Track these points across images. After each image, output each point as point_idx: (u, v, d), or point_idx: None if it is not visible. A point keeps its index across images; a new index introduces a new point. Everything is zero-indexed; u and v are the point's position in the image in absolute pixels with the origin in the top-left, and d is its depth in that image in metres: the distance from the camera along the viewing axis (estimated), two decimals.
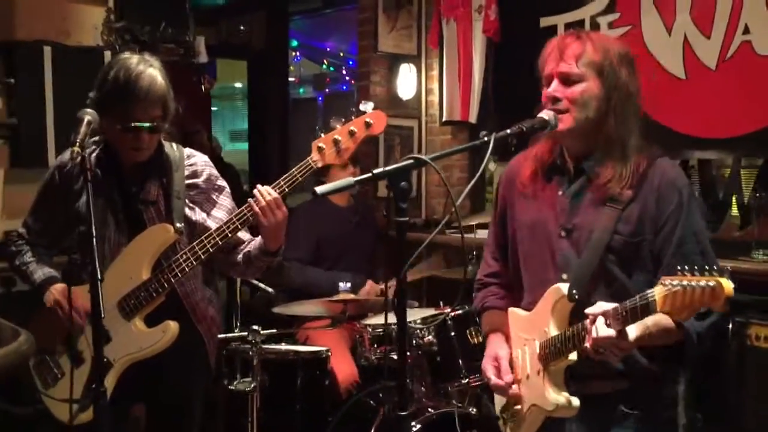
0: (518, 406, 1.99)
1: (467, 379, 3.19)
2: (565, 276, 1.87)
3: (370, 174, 1.54)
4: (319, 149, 2.17)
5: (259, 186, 2.18)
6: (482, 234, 4.32)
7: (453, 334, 3.22)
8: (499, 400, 2.14)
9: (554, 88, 1.88)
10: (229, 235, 2.21)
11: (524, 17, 4.32)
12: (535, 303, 1.94)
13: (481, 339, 3.23)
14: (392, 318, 3.34)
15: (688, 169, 4.37)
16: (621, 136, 1.84)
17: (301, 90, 8.39)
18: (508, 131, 1.78)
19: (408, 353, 3.19)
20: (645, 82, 3.69)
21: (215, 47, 5.72)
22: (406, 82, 4.97)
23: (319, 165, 2.17)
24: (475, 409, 3.21)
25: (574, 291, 1.80)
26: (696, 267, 1.51)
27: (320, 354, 3.25)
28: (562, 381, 1.85)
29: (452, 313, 3.25)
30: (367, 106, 2.19)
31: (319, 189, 1.51)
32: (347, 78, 7.67)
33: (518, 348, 2.00)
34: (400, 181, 1.55)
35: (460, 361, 3.19)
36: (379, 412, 3.08)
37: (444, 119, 4.80)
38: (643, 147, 1.88)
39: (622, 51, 1.90)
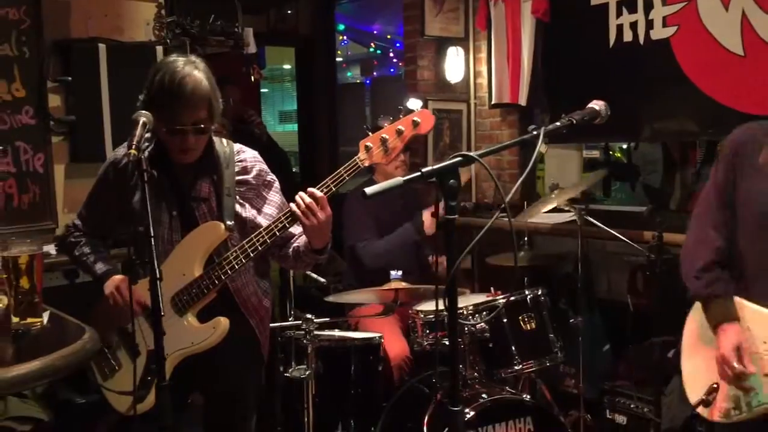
0: (744, 395, 2.00)
1: (521, 366, 3.20)
2: None
3: (419, 173, 1.55)
4: (367, 148, 2.17)
5: (301, 193, 2.19)
6: (536, 218, 4.29)
7: (505, 320, 3.22)
8: (701, 385, 2.13)
9: None
10: (278, 233, 2.23)
11: None
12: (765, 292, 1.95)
13: (533, 325, 3.26)
14: (443, 304, 3.41)
15: None
16: None
17: (349, 74, 8.40)
18: (558, 124, 1.77)
19: (460, 339, 3.24)
20: (702, 59, 3.63)
21: (263, 35, 5.76)
22: (454, 65, 4.93)
23: (366, 164, 2.17)
24: (529, 396, 3.22)
25: None
26: None
27: (373, 340, 3.29)
28: None
29: (504, 300, 3.25)
30: (415, 104, 2.18)
31: (369, 190, 1.53)
32: (395, 60, 7.63)
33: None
34: (448, 179, 1.55)
35: (513, 348, 3.20)
36: (432, 398, 3.10)
37: (493, 102, 4.75)
38: None
39: None
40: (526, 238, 3.94)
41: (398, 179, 1.54)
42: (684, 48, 3.70)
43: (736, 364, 1.98)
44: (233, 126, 4.42)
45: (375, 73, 7.96)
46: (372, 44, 7.79)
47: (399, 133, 2.16)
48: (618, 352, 3.97)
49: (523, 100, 4.50)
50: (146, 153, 2.34)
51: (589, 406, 3.61)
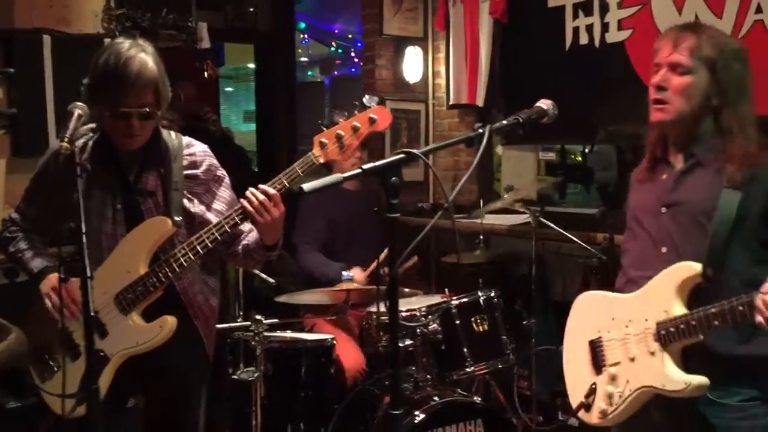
0: (615, 390, 1.95)
1: (473, 368, 3.18)
2: (664, 249, 1.94)
3: (359, 170, 1.50)
4: (322, 144, 2.12)
5: (252, 189, 2.13)
6: (490, 219, 4.29)
7: (458, 322, 3.19)
8: (579, 388, 2.10)
9: (661, 76, 1.92)
10: (228, 230, 2.17)
11: None
12: (633, 281, 1.99)
13: (486, 327, 3.25)
14: (399, 305, 3.38)
15: None
16: (738, 126, 1.87)
17: (310, 72, 8.33)
18: (504, 122, 1.74)
19: (412, 341, 3.22)
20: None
21: (221, 31, 5.67)
22: (413, 65, 4.92)
23: (321, 161, 2.12)
24: (480, 398, 3.19)
25: (708, 269, 1.81)
26: None
27: (325, 342, 3.24)
28: (680, 361, 1.85)
29: (456, 301, 3.22)
30: (371, 101, 2.13)
31: (306, 186, 1.48)
32: (356, 60, 7.59)
33: (611, 330, 1.99)
34: (390, 177, 1.51)
35: (465, 350, 3.17)
36: (384, 401, 3.06)
37: (451, 102, 4.74)
38: (762, 139, 1.90)
39: (737, 47, 1.97)
40: (481, 238, 3.93)
41: (338, 176, 1.49)
42: (638, 51, 3.73)
43: None
44: (187, 123, 4.32)
45: (336, 73, 7.91)
46: (333, 43, 7.74)
47: (355, 129, 2.11)
48: None
49: (480, 101, 4.50)
50: (90, 142, 2.28)
51: (543, 407, 3.61)
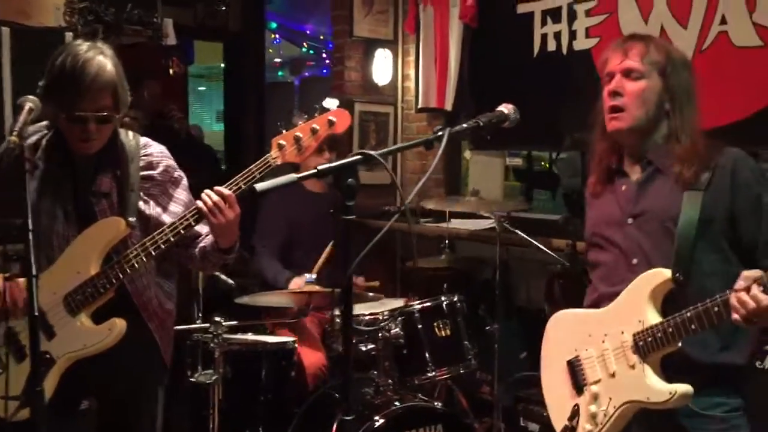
0: (599, 408, 1.88)
1: (434, 373, 3.16)
2: (635, 261, 1.91)
3: (314, 170, 1.48)
4: (280, 146, 2.11)
5: (207, 190, 2.10)
6: (456, 223, 4.29)
7: (420, 327, 3.18)
8: (561, 412, 2.01)
9: (617, 82, 1.94)
10: (182, 231, 2.14)
11: (501, 3, 4.25)
12: (606, 296, 1.94)
13: (448, 332, 3.23)
14: (361, 309, 3.36)
15: None
16: (685, 130, 1.90)
17: (281, 73, 8.28)
18: (465, 125, 1.73)
19: (374, 345, 3.20)
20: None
21: (191, 29, 5.60)
22: (382, 67, 4.90)
23: (279, 162, 2.10)
24: (441, 403, 3.18)
25: (678, 273, 1.79)
26: None
27: (286, 345, 3.21)
28: (660, 372, 1.80)
29: (419, 306, 3.21)
30: (331, 104, 2.13)
31: (259, 186, 1.45)
32: (328, 62, 7.56)
33: (588, 347, 1.95)
34: (346, 178, 1.49)
35: (427, 355, 3.15)
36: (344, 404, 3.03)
37: (419, 106, 4.74)
38: (707, 140, 1.92)
39: (683, 56, 2.02)
40: (446, 242, 3.92)
41: (292, 176, 1.47)
42: None
43: None
44: (151, 121, 4.25)
45: (306, 73, 7.86)
46: (305, 44, 7.70)
47: (314, 131, 2.10)
48: (536, 360, 3.98)
49: (449, 105, 4.49)
50: (43, 141, 2.22)
51: (505, 413, 3.61)
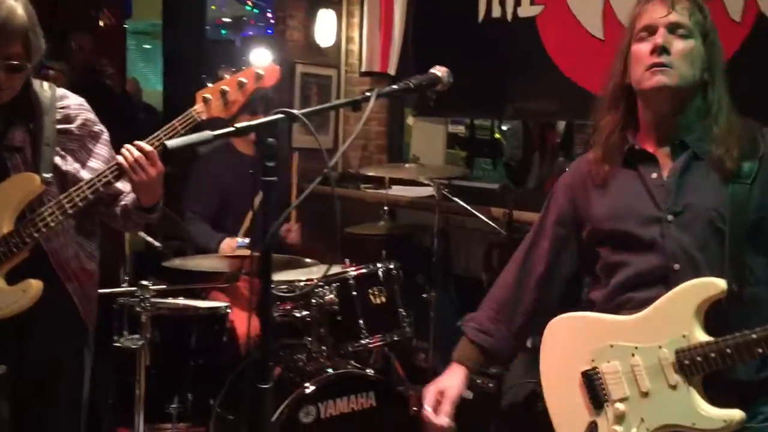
0: (626, 429, 1.66)
1: (368, 340, 3.14)
2: (677, 266, 1.63)
3: (232, 128, 1.40)
4: (205, 100, 2.02)
5: (128, 145, 2.01)
6: (397, 189, 4.25)
7: (355, 293, 3.14)
8: (571, 427, 1.78)
9: (663, 37, 1.63)
10: (101, 189, 2.04)
11: None
12: (634, 303, 1.68)
13: (383, 299, 3.22)
14: (296, 275, 3.30)
15: None
16: (723, 109, 1.67)
17: (224, 32, 8.04)
18: (395, 87, 1.67)
19: (308, 312, 3.15)
20: (565, 41, 3.67)
21: None
22: (326, 28, 4.78)
23: (204, 117, 2.02)
24: (374, 370, 3.16)
25: (733, 284, 1.55)
26: None
27: (219, 310, 3.14)
28: (704, 393, 1.59)
29: (354, 272, 3.17)
30: (261, 57, 2.05)
31: (170, 143, 1.37)
32: (273, 21, 7.36)
33: (611, 360, 1.69)
34: (266, 137, 1.41)
35: (361, 322, 3.13)
36: (276, 372, 2.99)
37: (363, 70, 4.65)
38: (743, 121, 1.69)
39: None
40: (386, 209, 3.88)
41: (207, 133, 1.39)
42: (548, 28, 3.73)
43: (428, 409, 1.95)
44: (81, 76, 4.07)
45: (251, 33, 7.66)
46: (249, 2, 7.49)
47: (241, 85, 2.04)
48: None
49: (392, 70, 4.43)
50: None
51: None
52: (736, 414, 1.55)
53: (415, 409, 3.24)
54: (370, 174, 4.05)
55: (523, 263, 1.96)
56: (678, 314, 1.60)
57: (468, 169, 4.62)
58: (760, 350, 1.50)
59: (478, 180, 5.11)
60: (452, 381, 1.90)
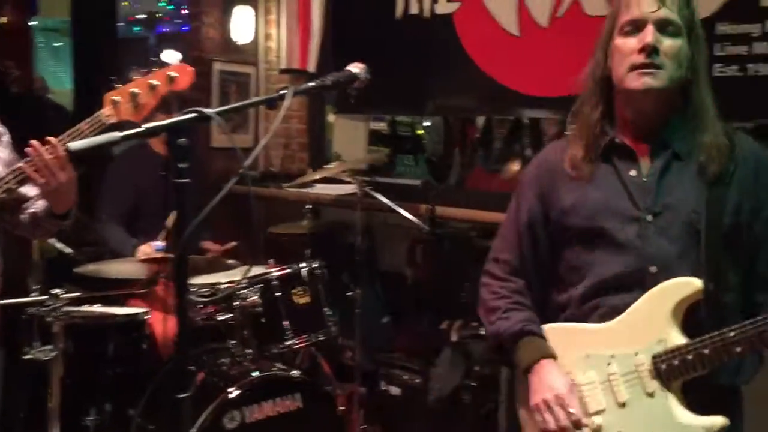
0: None
1: (293, 340, 3.10)
2: (654, 269, 1.55)
3: (141, 128, 1.34)
4: (114, 103, 1.94)
5: (35, 142, 1.91)
6: (321, 189, 4.21)
7: (278, 294, 3.09)
8: None
9: (653, 36, 1.53)
10: (2, 195, 1.93)
11: None
12: (608, 308, 1.59)
13: (308, 299, 3.17)
14: (218, 277, 3.22)
15: (521, 128, 4.45)
16: (707, 110, 1.59)
17: (137, 28, 7.78)
18: (311, 84, 1.64)
19: (231, 314, 3.09)
20: (482, 38, 3.71)
21: None
22: (243, 25, 4.69)
23: (113, 121, 1.94)
24: (300, 371, 3.13)
25: (710, 284, 1.49)
26: None
27: (137, 317, 3.04)
28: (683, 400, 1.52)
29: (278, 273, 3.12)
30: (172, 57, 1.98)
31: (72, 145, 1.30)
32: (188, 18, 7.17)
33: (587, 371, 1.61)
34: (177, 137, 1.36)
35: (286, 322, 3.08)
36: (198, 376, 2.92)
37: (282, 67, 4.59)
38: (722, 123, 1.62)
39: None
40: (309, 207, 3.84)
41: (114, 134, 1.32)
42: (465, 25, 3.76)
43: (573, 408, 1.57)
44: None
45: (165, 30, 7.45)
46: None
47: (152, 87, 1.96)
48: (397, 324, 4.02)
49: (312, 67, 4.38)
50: None
51: (367, 378, 3.61)
52: (718, 420, 1.49)
53: (342, 408, 3.23)
54: (293, 172, 4.00)
55: (506, 277, 1.79)
56: (654, 318, 1.53)
57: (390, 165, 4.62)
58: (739, 349, 1.45)
59: (400, 176, 5.13)
60: (563, 375, 1.63)
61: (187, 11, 7.20)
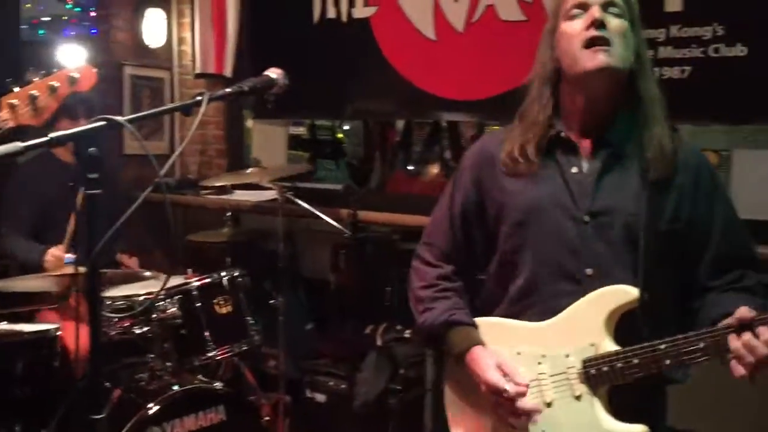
0: None
1: (215, 352, 3.02)
2: (589, 271, 1.53)
3: (46, 138, 1.28)
4: (11, 107, 1.83)
5: None
6: (241, 195, 4.14)
7: (199, 305, 3.01)
8: None
9: (599, 12, 1.50)
10: None
11: None
12: (539, 308, 1.58)
13: (230, 308, 3.10)
14: (135, 289, 3.11)
15: (440, 131, 4.50)
16: (657, 99, 1.56)
17: (42, 32, 7.45)
18: (228, 90, 1.60)
19: (149, 327, 2.99)
20: (399, 42, 3.73)
21: None
22: (154, 28, 4.56)
23: (10, 125, 1.82)
24: (223, 383, 3.06)
25: (645, 293, 1.47)
26: None
27: (47, 333, 2.89)
28: (608, 405, 1.51)
29: (198, 283, 3.04)
30: (74, 59, 1.88)
31: None
32: (96, 21, 6.91)
33: (518, 367, 1.58)
34: (87, 147, 1.30)
35: (207, 333, 3.01)
36: (114, 395, 2.81)
37: (197, 72, 4.48)
38: (668, 127, 1.58)
39: None
40: (229, 214, 3.76)
41: (16, 144, 1.25)
42: (383, 29, 3.77)
43: (506, 386, 1.54)
44: None
45: (72, 33, 7.16)
46: (69, 0, 6.99)
47: (52, 89, 1.86)
48: (321, 331, 3.99)
49: (228, 72, 4.30)
50: None
51: (292, 386, 3.56)
52: (639, 429, 1.48)
53: (267, 418, 3.17)
54: (212, 179, 3.91)
55: (435, 262, 1.76)
56: (588, 322, 1.52)
57: (311, 170, 4.58)
58: (668, 362, 1.44)
59: (321, 181, 5.10)
60: (497, 354, 1.60)
61: (94, 14, 6.97)
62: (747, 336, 1.36)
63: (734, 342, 1.37)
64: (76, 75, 1.84)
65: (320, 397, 3.53)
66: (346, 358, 3.53)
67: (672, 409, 1.67)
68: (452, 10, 3.55)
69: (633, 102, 1.56)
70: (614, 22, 1.52)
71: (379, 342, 3.42)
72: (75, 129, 1.29)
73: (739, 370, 1.37)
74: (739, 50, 2.84)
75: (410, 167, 4.62)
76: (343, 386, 3.40)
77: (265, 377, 3.69)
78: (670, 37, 2.96)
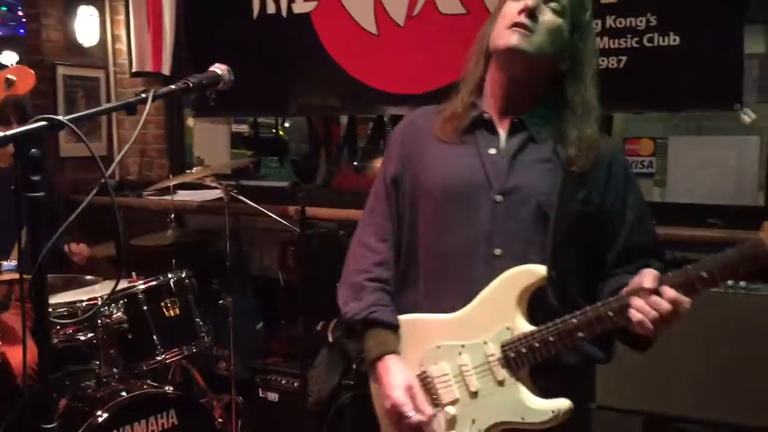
0: None
1: (164, 355, 2.97)
2: (498, 252, 1.53)
3: None
4: None
5: None
6: (183, 195, 4.06)
7: (146, 308, 2.96)
8: None
9: (535, 2, 1.52)
10: None
11: None
12: (451, 295, 1.57)
13: (177, 311, 3.05)
14: (77, 295, 3.02)
15: (384, 125, 4.51)
16: (589, 101, 1.57)
17: None
18: (173, 87, 1.56)
19: (93, 333, 2.91)
20: (341, 37, 3.72)
21: None
22: (87, 26, 4.42)
23: None
24: (174, 387, 3.00)
25: (553, 270, 1.49)
26: None
27: None
28: (531, 383, 1.52)
29: (144, 285, 2.98)
30: (9, 59, 1.81)
31: None
32: (24, 20, 6.68)
33: (439, 362, 1.58)
34: (29, 149, 1.26)
35: (155, 337, 2.95)
36: (61, 403, 2.73)
37: (134, 70, 4.37)
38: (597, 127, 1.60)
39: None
40: (172, 216, 3.68)
41: None
42: (324, 24, 3.75)
43: (410, 412, 1.55)
44: None
45: (1, 33, 6.90)
46: None
47: None
48: (272, 329, 3.95)
49: (166, 69, 4.21)
50: None
51: (244, 387, 3.52)
52: (564, 403, 1.50)
53: (220, 420, 3.13)
54: (153, 179, 3.82)
55: (375, 244, 1.73)
56: (501, 306, 1.53)
57: (255, 168, 4.52)
58: (581, 334, 1.47)
59: (266, 179, 5.05)
60: (407, 373, 1.60)
61: (22, 13, 6.73)
62: (652, 297, 1.40)
63: (637, 301, 1.41)
64: (13, 78, 1.77)
65: (273, 396, 3.50)
66: (297, 356, 3.51)
67: (603, 388, 1.70)
68: (393, 4, 3.56)
69: (559, 102, 1.59)
70: (547, 17, 1.54)
71: (330, 338, 3.41)
72: (15, 130, 1.24)
73: (647, 325, 1.40)
74: (672, 39, 2.93)
75: (355, 163, 4.61)
76: (295, 384, 3.38)
77: (215, 379, 3.64)
78: (606, 28, 3.03)
